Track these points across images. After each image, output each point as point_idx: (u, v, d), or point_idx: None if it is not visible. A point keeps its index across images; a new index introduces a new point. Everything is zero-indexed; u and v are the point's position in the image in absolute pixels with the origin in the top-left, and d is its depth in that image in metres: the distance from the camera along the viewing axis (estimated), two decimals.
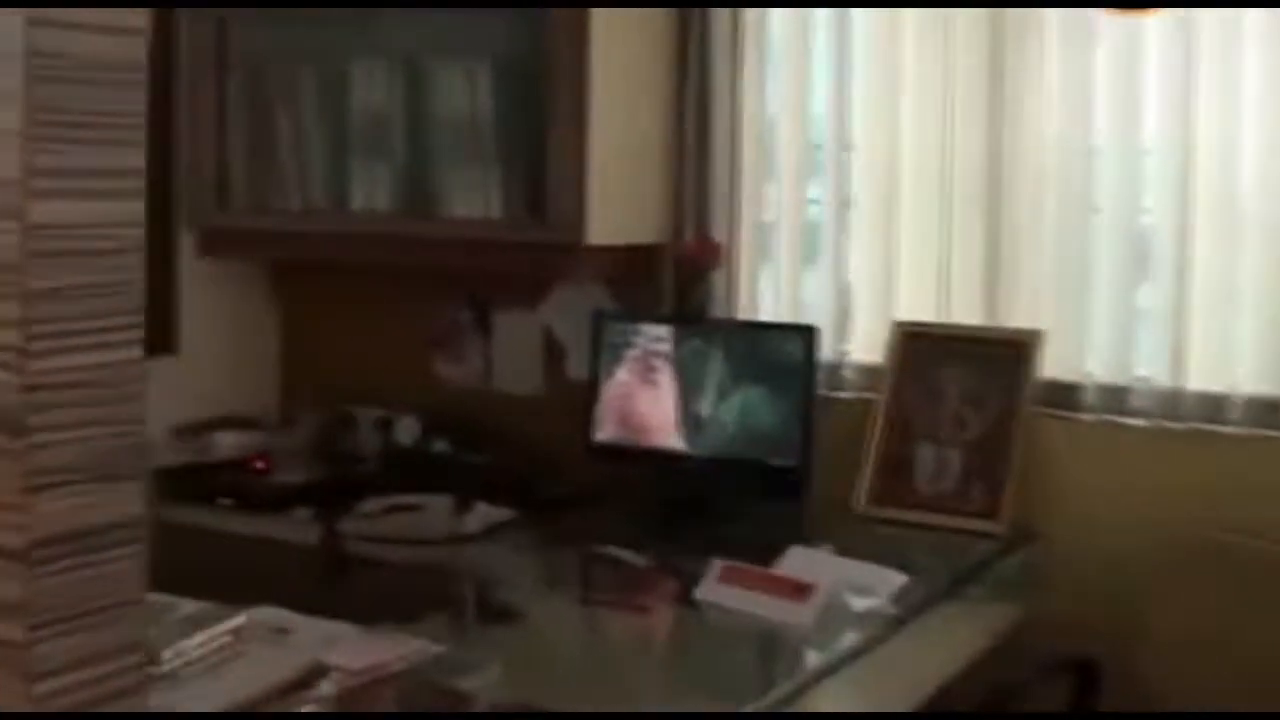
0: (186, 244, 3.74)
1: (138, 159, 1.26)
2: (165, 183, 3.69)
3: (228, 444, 3.68)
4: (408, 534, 3.16)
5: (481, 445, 3.57)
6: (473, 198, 3.33)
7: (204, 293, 3.84)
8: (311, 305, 3.99)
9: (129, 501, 1.24)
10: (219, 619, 1.90)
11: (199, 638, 1.83)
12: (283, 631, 2.08)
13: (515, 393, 3.66)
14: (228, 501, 3.44)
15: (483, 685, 2.12)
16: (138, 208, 1.27)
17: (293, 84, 3.55)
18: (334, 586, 3.02)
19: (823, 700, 2.11)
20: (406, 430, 3.61)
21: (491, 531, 3.16)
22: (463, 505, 3.25)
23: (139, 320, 1.29)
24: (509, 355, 3.68)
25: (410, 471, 3.46)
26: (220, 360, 3.90)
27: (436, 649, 2.09)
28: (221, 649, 1.86)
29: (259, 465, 3.63)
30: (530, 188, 3.25)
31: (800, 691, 2.03)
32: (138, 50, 1.24)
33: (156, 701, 1.69)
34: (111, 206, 1.24)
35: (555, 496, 3.33)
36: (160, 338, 3.79)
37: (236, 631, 1.91)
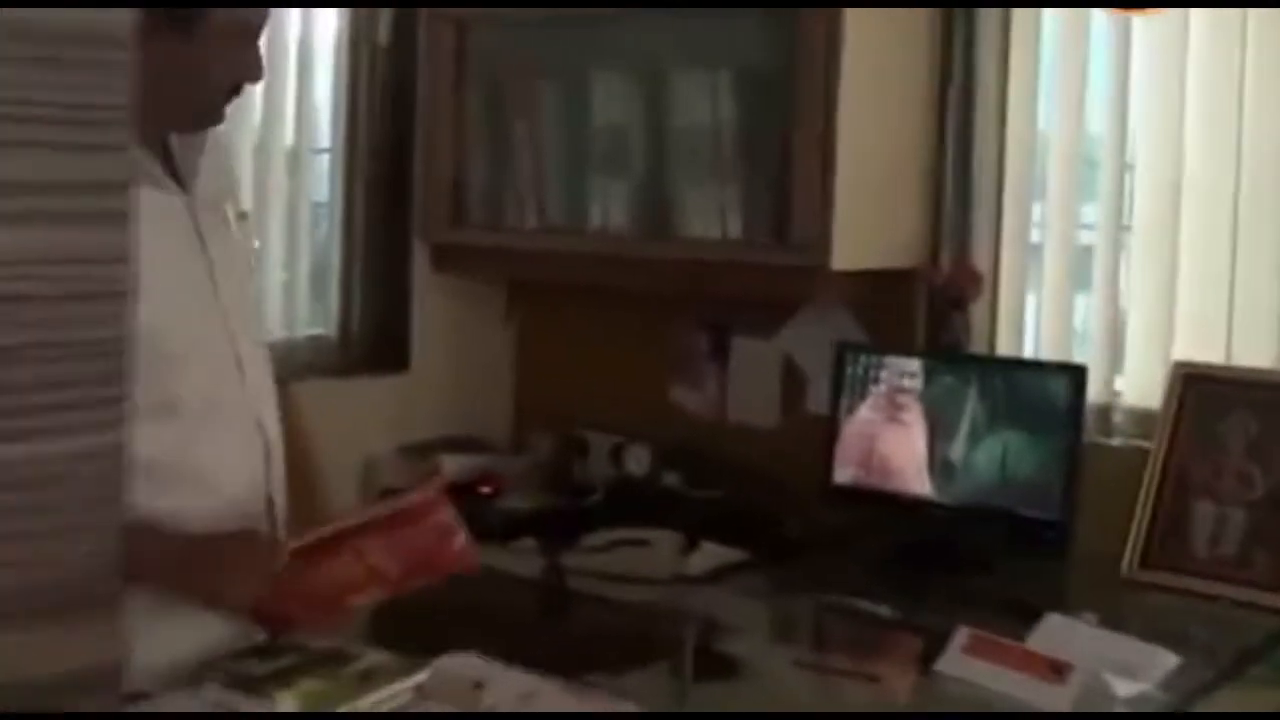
0: (420, 259, 3.65)
1: (117, 169, 0.95)
2: (401, 196, 3.62)
3: (455, 466, 3.57)
4: (631, 572, 3.00)
5: (713, 479, 3.38)
6: (711, 217, 3.14)
7: (436, 310, 3.75)
8: (546, 325, 3.86)
9: (101, 644, 0.91)
10: (401, 673, 1.73)
11: (375, 696, 1.67)
12: (478, 686, 1.90)
13: (751, 424, 3.45)
14: None
15: None
16: (119, 239, 0.95)
17: (531, 96, 3.42)
18: (551, 625, 2.87)
19: None
20: (636, 460, 3.44)
21: (719, 573, 2.96)
22: (691, 543, 3.07)
23: (122, 393, 0.96)
24: (746, 384, 3.47)
25: (639, 504, 3.29)
26: (451, 379, 3.80)
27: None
28: (399, 710, 1.70)
29: (486, 490, 3.51)
30: (773, 206, 3.04)
31: None
32: (120, 21, 0.93)
33: None
34: (84, 235, 0.92)
35: (789, 539, 3.12)
36: (391, 355, 3.72)
37: (419, 688, 1.74)
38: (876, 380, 3.02)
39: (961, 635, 2.18)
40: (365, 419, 3.56)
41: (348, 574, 1.96)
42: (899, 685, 2.24)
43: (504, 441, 3.87)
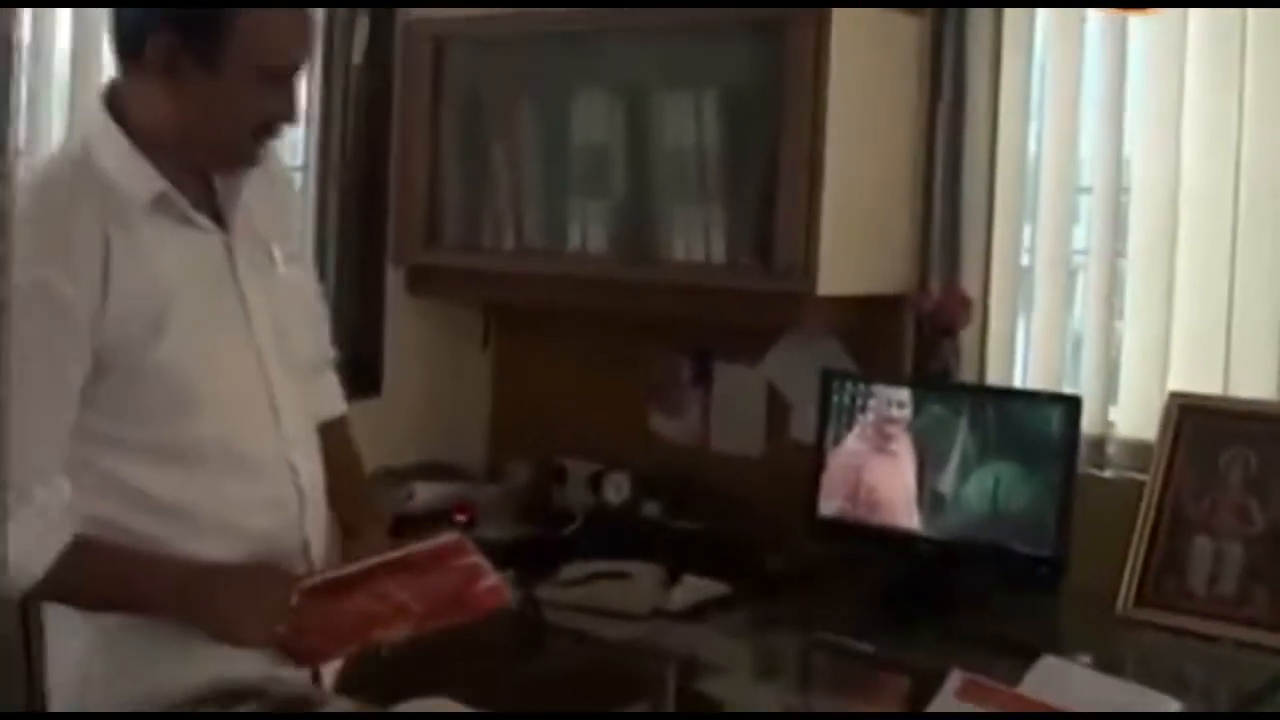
0: (394, 281, 3.56)
1: None
2: (375, 216, 3.51)
3: (428, 493, 3.47)
4: (610, 605, 2.91)
5: (695, 510, 3.28)
6: (694, 240, 3.04)
7: (411, 333, 3.65)
8: (523, 350, 3.77)
9: None
10: None
11: None
12: None
13: (734, 453, 3.35)
14: None
15: None
16: None
17: (510, 115, 3.32)
18: (527, 662, 2.77)
19: None
20: (616, 488, 3.34)
21: (701, 609, 2.88)
22: (672, 577, 2.98)
23: None
24: (729, 411, 3.38)
25: (618, 534, 3.20)
26: (426, 404, 3.70)
27: None
28: None
29: (460, 518, 3.40)
30: (757, 230, 2.94)
31: None
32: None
33: None
34: None
35: (773, 573, 3.03)
36: (364, 378, 3.61)
37: None
38: (864, 409, 2.93)
39: (955, 678, 2.08)
40: None
41: (373, 609, 1.96)
42: None
43: (480, 468, 3.77)
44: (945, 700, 2.07)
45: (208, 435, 1.90)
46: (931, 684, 2.10)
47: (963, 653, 2.36)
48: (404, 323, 3.63)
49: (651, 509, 3.27)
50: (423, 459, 3.64)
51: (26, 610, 1.96)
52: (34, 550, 1.75)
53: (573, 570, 3.05)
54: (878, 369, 3.06)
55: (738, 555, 3.07)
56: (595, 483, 3.41)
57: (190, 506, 1.89)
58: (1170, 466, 2.74)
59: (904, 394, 2.90)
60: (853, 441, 2.94)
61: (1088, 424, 2.81)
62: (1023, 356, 3.03)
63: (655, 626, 2.80)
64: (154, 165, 1.85)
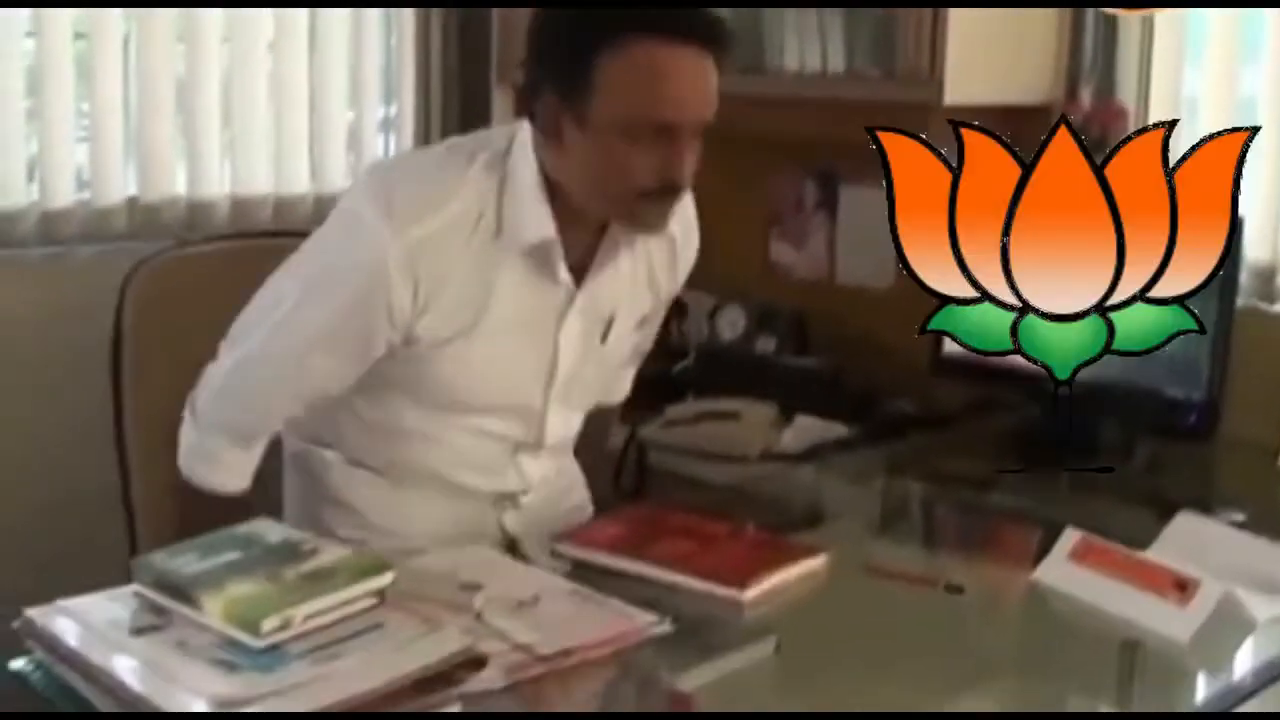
0: (501, 105, 3.35)
1: None
2: (480, 38, 3.33)
3: None
4: (718, 447, 2.70)
5: (814, 347, 3.03)
6: (810, 48, 2.75)
7: None
8: None
9: None
10: (363, 574, 1.44)
11: (317, 603, 1.38)
12: (469, 589, 1.60)
13: (860, 285, 3.08)
14: None
15: (717, 679, 1.60)
16: None
17: None
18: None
19: None
20: (730, 323, 3.09)
21: (815, 451, 2.65)
22: (785, 417, 2.75)
23: None
24: (855, 240, 3.10)
25: (730, 372, 2.97)
26: None
27: (663, 627, 1.58)
28: (352, 618, 1.40)
29: None
30: (877, 34, 2.66)
31: None
32: None
33: (223, 691, 1.27)
34: None
35: (896, 415, 2.78)
36: None
37: (381, 592, 1.44)
38: None
39: (1068, 538, 1.82)
40: None
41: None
42: (988, 597, 1.88)
43: None
44: (1058, 561, 1.81)
45: (453, 439, 1.88)
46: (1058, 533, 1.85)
47: (1098, 506, 2.13)
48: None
49: (766, 345, 3.03)
50: None
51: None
52: (196, 467, 1.84)
53: (679, 410, 2.84)
54: None
55: (858, 396, 2.85)
56: (712, 316, 3.17)
57: (392, 512, 1.91)
58: None
59: None
60: None
61: (1253, 251, 2.47)
62: None
63: (764, 469, 2.60)
64: (551, 207, 1.76)
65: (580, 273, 1.83)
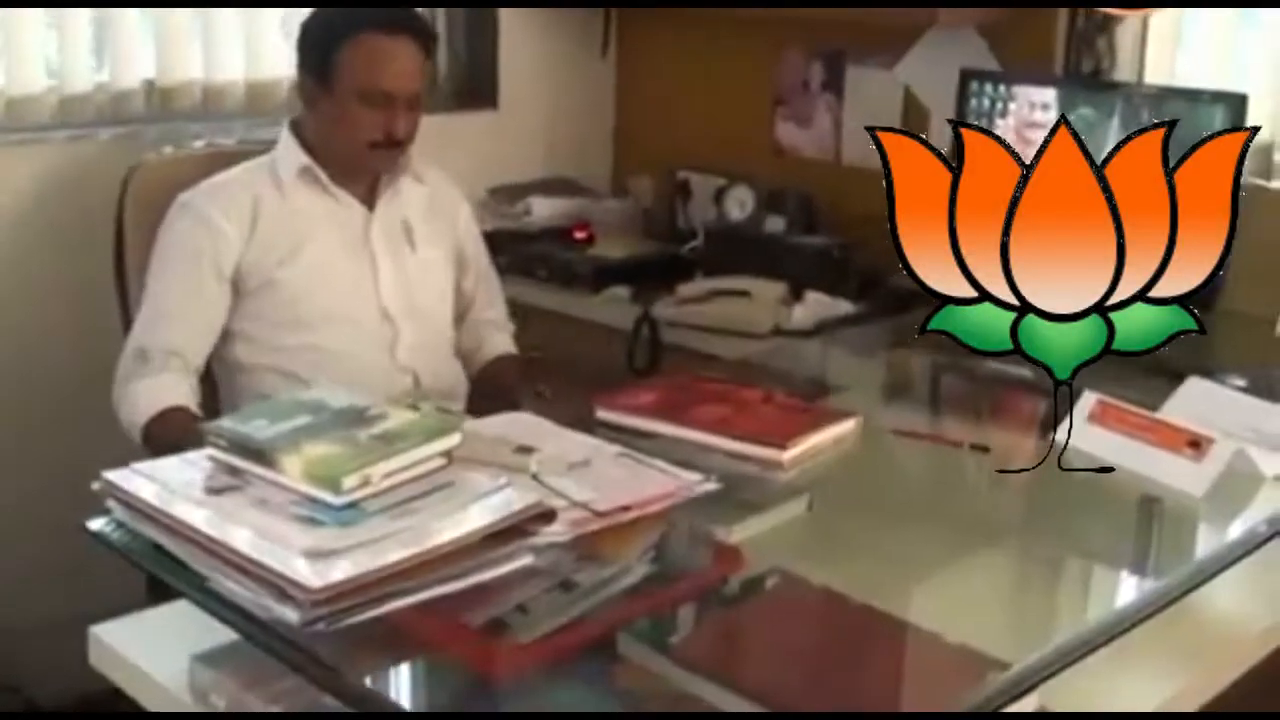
0: None
1: None
2: None
3: (547, 209, 3.32)
4: (729, 324, 2.77)
5: (822, 226, 3.09)
6: None
7: (528, 42, 3.46)
8: (645, 58, 3.56)
9: None
10: (431, 435, 1.51)
11: (393, 462, 1.45)
12: (525, 451, 1.68)
13: (866, 166, 3.11)
14: (542, 273, 3.10)
15: (765, 531, 1.68)
16: None
17: None
18: (638, 381, 2.64)
19: (1208, 600, 1.56)
20: (739, 204, 3.15)
21: (824, 327, 2.73)
22: (795, 294, 2.82)
23: None
24: (861, 120, 3.14)
25: (740, 251, 3.03)
26: (544, 117, 3.53)
27: (710, 485, 1.66)
28: (423, 477, 1.48)
29: (580, 235, 3.27)
30: None
31: (1180, 590, 1.49)
32: None
33: (312, 543, 1.34)
34: None
35: (902, 290, 2.82)
36: (480, 90, 3.45)
37: (449, 453, 1.52)
38: (1004, 113, 2.68)
39: (1087, 401, 1.90)
40: (452, 159, 3.29)
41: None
42: (1013, 458, 1.97)
43: (601, 184, 3.61)
44: (1077, 424, 1.89)
45: (323, 345, 2.33)
46: (1066, 407, 1.93)
47: (1108, 373, 2.17)
48: (520, 31, 3.43)
49: (775, 224, 3.09)
50: (542, 174, 3.49)
51: None
52: (140, 406, 2.22)
53: (690, 287, 2.91)
54: (1023, 68, 2.79)
55: (865, 273, 2.91)
56: (719, 197, 3.22)
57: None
58: None
59: (1049, 94, 2.64)
60: None
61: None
62: (1194, 53, 2.73)
63: (775, 345, 2.67)
64: (316, 160, 2.35)
65: (372, 204, 2.41)
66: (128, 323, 2.38)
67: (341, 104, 2.29)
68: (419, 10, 2.42)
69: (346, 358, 2.33)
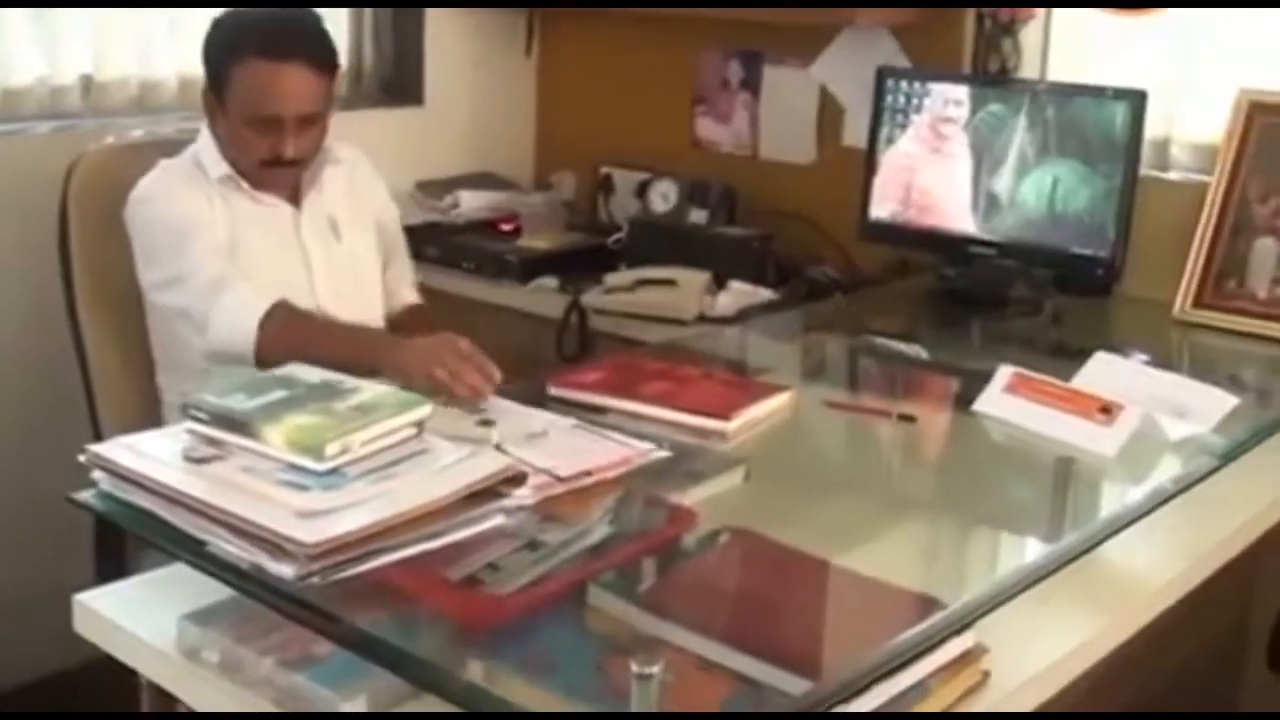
0: None
1: None
2: None
3: (475, 202, 3.41)
4: (656, 311, 2.88)
5: (743, 218, 3.21)
6: None
7: (453, 39, 3.55)
8: (569, 56, 3.66)
9: None
10: (402, 408, 1.61)
11: (370, 432, 1.55)
12: (487, 424, 1.79)
13: (784, 160, 3.27)
14: (470, 265, 3.19)
15: (711, 496, 1.80)
16: None
17: None
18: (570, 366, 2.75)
19: (1121, 551, 1.71)
20: (662, 197, 3.27)
21: (747, 314, 2.84)
22: (718, 283, 2.94)
23: None
24: (779, 117, 3.27)
25: (664, 242, 3.14)
26: (470, 113, 3.62)
27: (662, 453, 1.77)
28: (397, 445, 1.57)
29: (506, 227, 3.36)
30: None
31: (1098, 538, 1.63)
32: None
33: (301, 505, 1.44)
34: None
35: (822, 279, 2.97)
36: (406, 86, 3.53)
37: (420, 424, 1.62)
38: (919, 109, 2.82)
39: (1003, 374, 2.04)
40: (379, 154, 3.36)
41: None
42: (935, 425, 2.11)
43: (525, 179, 3.71)
44: (994, 395, 2.03)
45: None
46: (979, 385, 2.07)
47: (1015, 355, 2.31)
48: (446, 28, 3.52)
49: (698, 217, 3.21)
50: (470, 169, 3.58)
51: None
52: (245, 314, 2.22)
53: (618, 277, 3.01)
54: (935, 67, 2.94)
55: (786, 262, 3.03)
56: (642, 191, 3.34)
57: None
58: (1236, 167, 2.64)
59: (961, 91, 2.78)
60: (906, 143, 2.85)
61: (1153, 124, 2.70)
62: (1096, 52, 2.88)
63: (700, 331, 2.78)
64: (233, 166, 2.38)
65: (297, 202, 2.45)
66: (73, 312, 2.44)
67: (233, 124, 2.32)
68: (320, 14, 2.43)
69: None
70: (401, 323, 2.58)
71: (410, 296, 2.67)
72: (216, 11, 2.40)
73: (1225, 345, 2.54)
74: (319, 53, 2.35)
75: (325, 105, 2.37)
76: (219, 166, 2.38)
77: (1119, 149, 2.61)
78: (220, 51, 2.33)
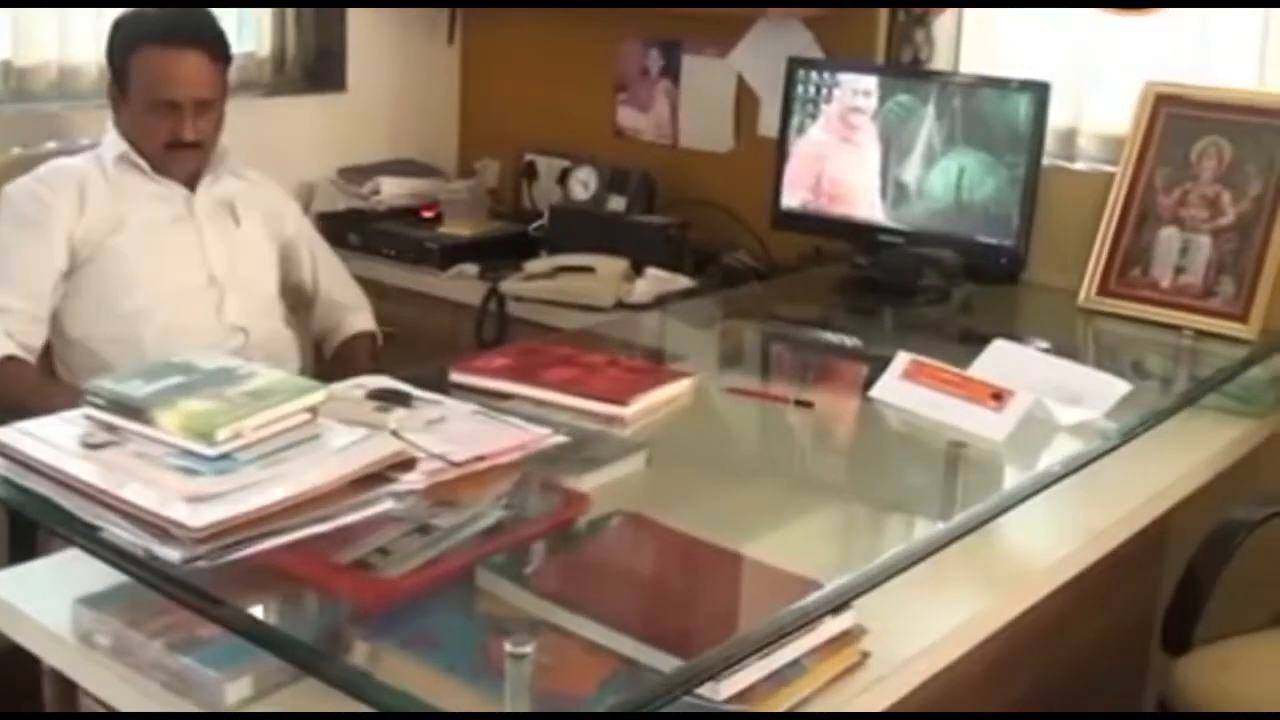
0: None
1: None
2: None
3: (396, 189, 3.42)
4: (574, 298, 2.90)
5: (661, 205, 3.24)
6: None
7: (376, 27, 3.55)
8: (490, 45, 3.68)
9: None
10: (296, 393, 1.62)
11: (263, 416, 1.56)
12: (384, 409, 1.80)
13: (703, 149, 3.30)
14: (391, 251, 3.20)
15: (610, 481, 1.82)
16: None
17: None
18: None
19: (1012, 534, 1.75)
20: (582, 184, 3.29)
21: (663, 300, 2.87)
22: (636, 270, 2.96)
23: None
24: (697, 106, 3.30)
25: (583, 229, 3.16)
26: (392, 101, 3.62)
27: (559, 439, 1.79)
28: (291, 430, 1.59)
29: (428, 214, 3.38)
30: None
31: (984, 519, 1.66)
32: None
33: (190, 489, 1.45)
34: None
35: (736, 266, 3.01)
36: (328, 73, 3.53)
37: (314, 409, 1.63)
38: (829, 99, 2.86)
39: (900, 360, 2.08)
40: (301, 140, 3.40)
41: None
42: (833, 411, 2.14)
43: (448, 166, 3.72)
44: (890, 381, 2.07)
45: (153, 308, 2.46)
46: (884, 369, 2.10)
47: (920, 340, 2.35)
48: (368, 17, 3.52)
49: (617, 204, 3.23)
50: (392, 156, 3.58)
51: None
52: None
53: (537, 264, 3.03)
54: (847, 58, 2.97)
55: (702, 249, 3.06)
56: (563, 179, 3.36)
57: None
58: (1141, 157, 2.69)
59: (870, 82, 2.82)
60: (816, 132, 2.88)
61: (1059, 115, 2.75)
62: (1007, 44, 2.93)
63: (617, 317, 2.80)
64: (137, 150, 2.50)
65: (193, 187, 2.56)
66: None
67: (134, 110, 2.47)
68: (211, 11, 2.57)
69: (176, 320, 2.47)
70: (341, 355, 2.69)
71: (361, 324, 2.76)
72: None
73: (1129, 333, 2.59)
74: (213, 43, 2.50)
75: (220, 94, 2.52)
76: (116, 146, 2.51)
77: (1023, 139, 2.66)
78: (121, 45, 2.47)
